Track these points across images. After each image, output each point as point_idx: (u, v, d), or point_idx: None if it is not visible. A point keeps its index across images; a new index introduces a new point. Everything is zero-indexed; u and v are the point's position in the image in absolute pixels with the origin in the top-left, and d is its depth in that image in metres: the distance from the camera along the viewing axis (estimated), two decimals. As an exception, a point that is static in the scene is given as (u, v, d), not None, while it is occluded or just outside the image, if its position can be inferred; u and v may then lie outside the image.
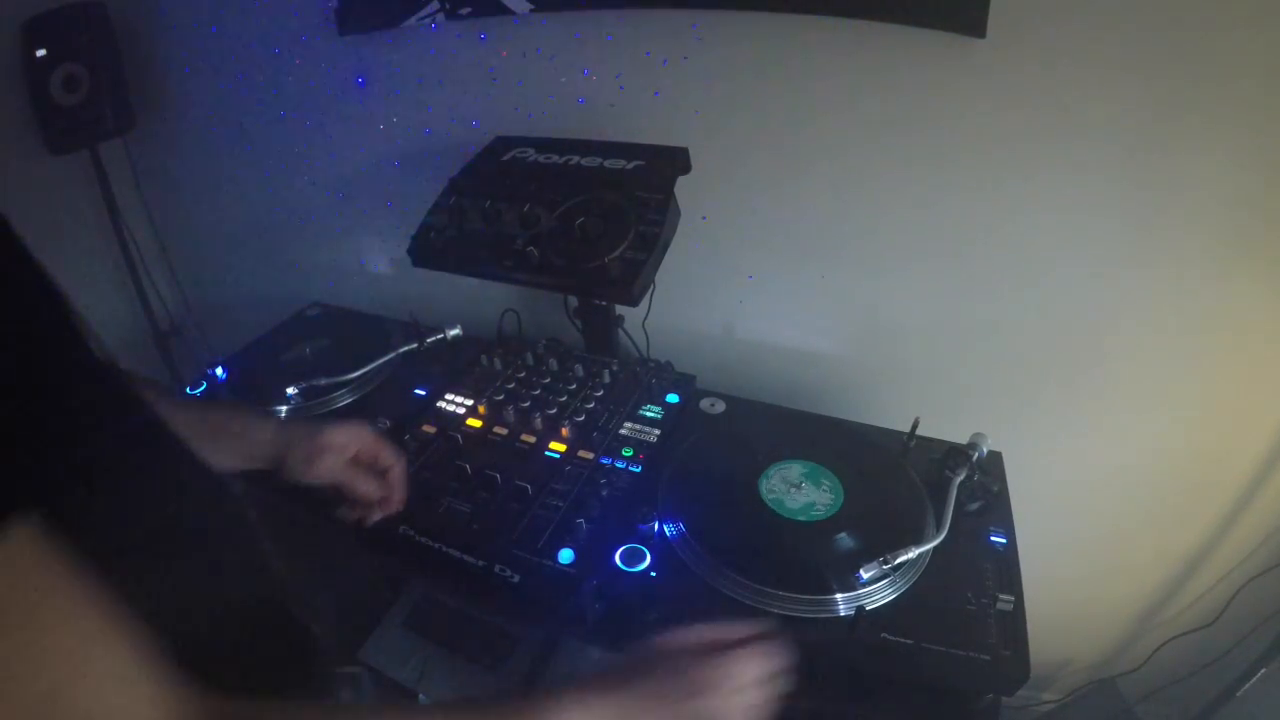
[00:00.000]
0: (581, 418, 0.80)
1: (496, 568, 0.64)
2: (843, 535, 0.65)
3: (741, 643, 0.46)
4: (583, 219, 0.76)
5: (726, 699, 0.44)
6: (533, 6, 0.91)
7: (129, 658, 0.27)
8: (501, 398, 0.84)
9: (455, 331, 0.95)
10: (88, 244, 1.40)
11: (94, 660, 0.26)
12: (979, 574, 0.64)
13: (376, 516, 0.68)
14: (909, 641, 0.57)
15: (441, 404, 0.85)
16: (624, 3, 0.87)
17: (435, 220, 0.87)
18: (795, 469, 0.73)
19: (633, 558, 0.65)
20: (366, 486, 0.66)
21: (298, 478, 0.63)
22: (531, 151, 0.88)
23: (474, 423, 0.81)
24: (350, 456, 0.65)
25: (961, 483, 0.70)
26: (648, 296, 0.82)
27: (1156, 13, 0.69)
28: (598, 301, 0.89)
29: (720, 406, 0.85)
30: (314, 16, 1.08)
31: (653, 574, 0.64)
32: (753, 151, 0.92)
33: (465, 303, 1.08)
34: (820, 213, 0.93)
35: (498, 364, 0.91)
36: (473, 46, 0.99)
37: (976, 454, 0.72)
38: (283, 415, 0.85)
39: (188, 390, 0.93)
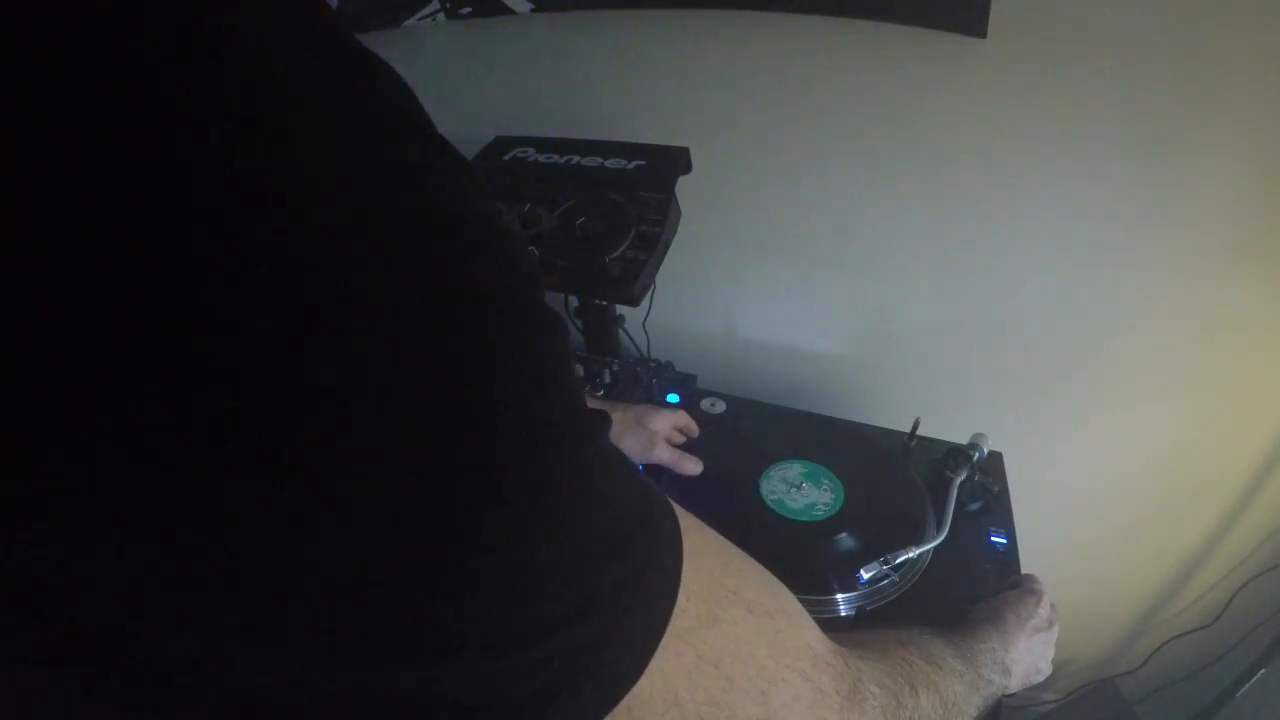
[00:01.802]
0: (582, 418, 0.80)
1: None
2: (843, 535, 0.65)
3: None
4: (583, 219, 0.75)
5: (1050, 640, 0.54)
6: (533, 6, 0.91)
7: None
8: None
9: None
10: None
11: (784, 597, 0.28)
12: (979, 574, 0.64)
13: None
14: (909, 641, 0.57)
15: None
16: (625, 3, 0.87)
17: (436, 220, 0.87)
18: (795, 469, 0.73)
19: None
20: (694, 467, 0.74)
21: (633, 460, 0.72)
22: (531, 151, 0.88)
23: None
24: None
25: (962, 483, 0.70)
26: (648, 296, 0.82)
27: (1160, 11, 0.69)
28: (598, 301, 0.88)
29: (720, 406, 0.85)
30: (314, 16, 1.08)
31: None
32: (753, 152, 0.92)
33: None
34: (820, 212, 0.93)
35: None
36: (473, 46, 0.99)
37: (977, 454, 0.72)
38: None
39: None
